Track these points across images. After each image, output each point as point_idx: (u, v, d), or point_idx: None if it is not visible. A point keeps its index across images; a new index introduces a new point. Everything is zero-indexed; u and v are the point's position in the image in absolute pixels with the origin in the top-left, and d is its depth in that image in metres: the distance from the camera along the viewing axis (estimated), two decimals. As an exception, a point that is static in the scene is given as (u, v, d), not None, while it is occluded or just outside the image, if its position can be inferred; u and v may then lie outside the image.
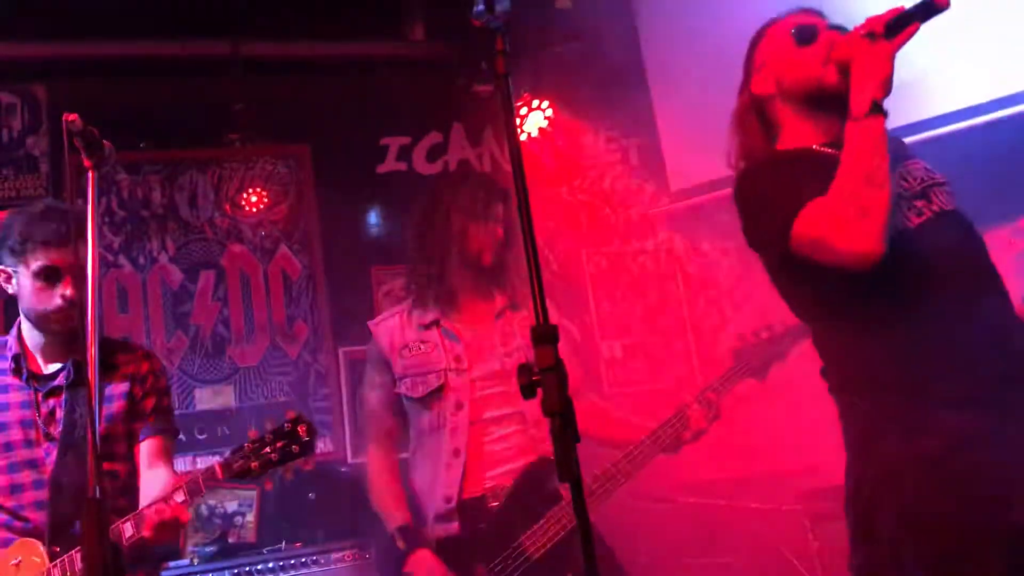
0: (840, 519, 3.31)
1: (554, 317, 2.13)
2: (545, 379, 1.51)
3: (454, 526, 2.77)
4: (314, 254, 4.76)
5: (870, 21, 1.95)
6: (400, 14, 4.94)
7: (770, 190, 2.05)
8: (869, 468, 1.97)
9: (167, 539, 2.34)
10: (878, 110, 1.92)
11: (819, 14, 2.19)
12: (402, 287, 4.45)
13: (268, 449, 2.30)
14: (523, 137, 4.91)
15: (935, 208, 2.02)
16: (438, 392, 2.87)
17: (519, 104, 4.83)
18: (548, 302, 1.60)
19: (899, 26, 1.91)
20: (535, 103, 4.88)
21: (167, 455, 2.57)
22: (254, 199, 4.72)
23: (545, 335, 1.54)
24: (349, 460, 4.51)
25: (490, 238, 2.91)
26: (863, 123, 1.92)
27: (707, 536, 3.88)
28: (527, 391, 1.53)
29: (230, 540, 4.15)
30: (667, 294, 5.15)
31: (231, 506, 4.25)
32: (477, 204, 2.94)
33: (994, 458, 1.83)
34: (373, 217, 4.95)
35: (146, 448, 2.56)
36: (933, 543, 1.84)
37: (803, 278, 2.05)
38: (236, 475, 2.30)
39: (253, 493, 4.27)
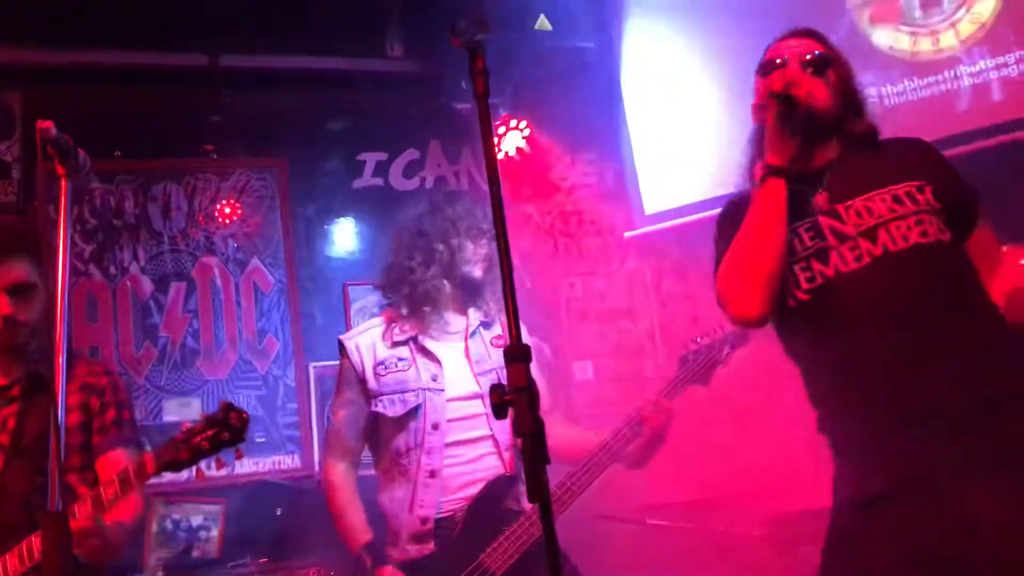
0: (805, 544, 3.33)
1: (527, 337, 2.13)
2: (517, 399, 1.51)
3: (429, 547, 2.76)
4: (287, 268, 4.74)
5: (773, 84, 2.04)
6: (380, 31, 4.95)
7: (715, 242, 2.18)
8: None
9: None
10: (771, 174, 1.97)
11: (812, 35, 2.19)
12: (376, 303, 4.43)
13: (199, 438, 2.28)
14: (500, 156, 4.92)
15: (876, 252, 1.94)
16: (415, 412, 2.84)
17: (497, 123, 4.85)
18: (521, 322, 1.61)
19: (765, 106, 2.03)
20: (513, 123, 4.89)
21: None
22: (228, 211, 4.69)
23: (518, 354, 1.54)
24: (317, 476, 4.46)
25: (482, 254, 2.94)
26: (758, 188, 2.01)
27: (673, 559, 3.88)
28: (498, 411, 1.53)
29: (194, 555, 4.10)
30: (639, 317, 5.16)
31: (196, 520, 4.20)
32: (474, 221, 2.95)
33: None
34: (348, 232, 4.93)
35: (110, 461, 2.53)
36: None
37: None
38: (167, 466, 2.28)
39: (218, 507, 4.23)
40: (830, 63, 2.11)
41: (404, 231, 3.05)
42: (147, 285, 4.53)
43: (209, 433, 2.28)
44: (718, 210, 4.71)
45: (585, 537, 2.99)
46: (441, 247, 2.93)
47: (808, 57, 2.09)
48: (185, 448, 2.27)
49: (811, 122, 2.00)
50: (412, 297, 2.93)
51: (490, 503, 2.76)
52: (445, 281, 2.92)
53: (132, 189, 4.61)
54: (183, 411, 4.43)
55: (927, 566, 1.81)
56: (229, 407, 2.31)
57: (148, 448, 2.47)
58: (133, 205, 4.59)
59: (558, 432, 2.94)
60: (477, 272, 2.93)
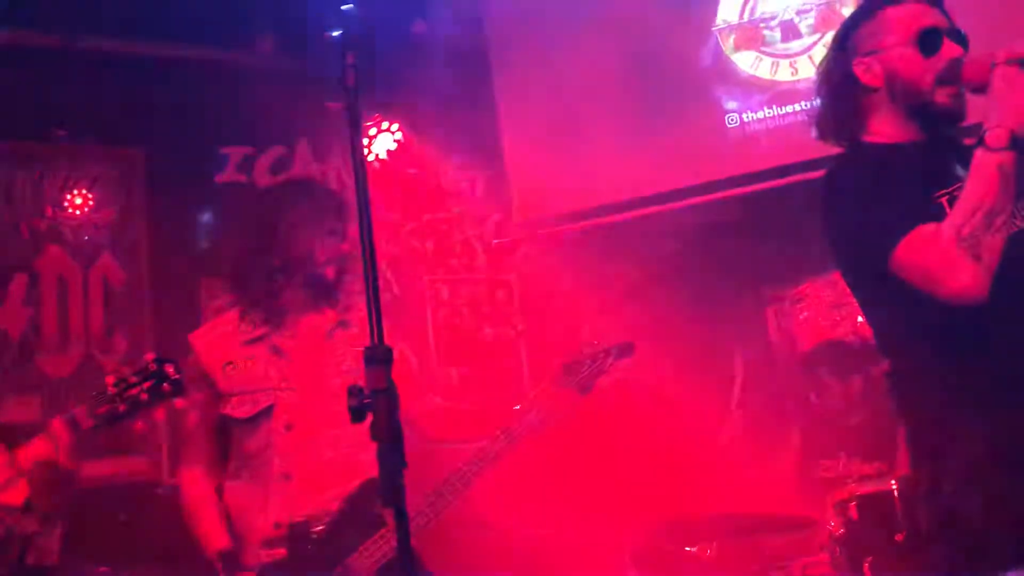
0: (658, 551, 3.41)
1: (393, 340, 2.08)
2: (376, 402, 1.49)
3: (281, 551, 2.67)
4: (140, 262, 4.54)
5: (1019, 46, 1.90)
6: (250, 23, 4.82)
7: (869, 202, 1.99)
8: (948, 467, 1.95)
9: None
10: (1015, 145, 1.86)
11: (939, 3, 2.14)
12: (231, 301, 4.30)
13: (136, 390, 2.15)
14: (371, 158, 4.87)
15: (1018, 222, 1.94)
16: (267, 412, 2.74)
17: (369, 124, 4.80)
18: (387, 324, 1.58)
19: None
20: (385, 125, 4.85)
21: None
22: (79, 201, 4.47)
23: (378, 356, 1.52)
24: (166, 481, 4.30)
25: (335, 253, 2.85)
26: (997, 155, 1.86)
27: (530, 565, 3.91)
28: (356, 414, 1.50)
29: (28, 561, 3.87)
30: (506, 325, 5.20)
31: (31, 525, 3.97)
32: (323, 218, 2.87)
33: None
34: (207, 228, 4.76)
35: None
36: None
37: (891, 298, 2.00)
38: (102, 420, 2.13)
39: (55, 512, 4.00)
40: None
41: (246, 233, 2.95)
42: (-15, 275, 4.27)
43: (147, 385, 2.15)
44: (590, 221, 4.76)
45: (442, 544, 2.98)
46: (285, 250, 2.85)
47: None
48: (121, 400, 2.13)
49: None
50: (262, 300, 2.85)
51: (358, 508, 2.71)
52: (294, 285, 2.85)
53: (-28, 172, 4.33)
54: (21, 410, 4.19)
55: None
56: (161, 359, 2.19)
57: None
58: (-28, 189, 4.32)
59: (437, 413, 2.90)
60: (330, 269, 2.86)
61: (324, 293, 2.88)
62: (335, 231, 2.85)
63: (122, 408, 2.15)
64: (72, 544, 3.99)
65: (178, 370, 2.20)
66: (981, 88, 1.97)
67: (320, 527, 2.69)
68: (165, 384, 2.18)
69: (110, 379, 2.18)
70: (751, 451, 4.02)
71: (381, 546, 2.64)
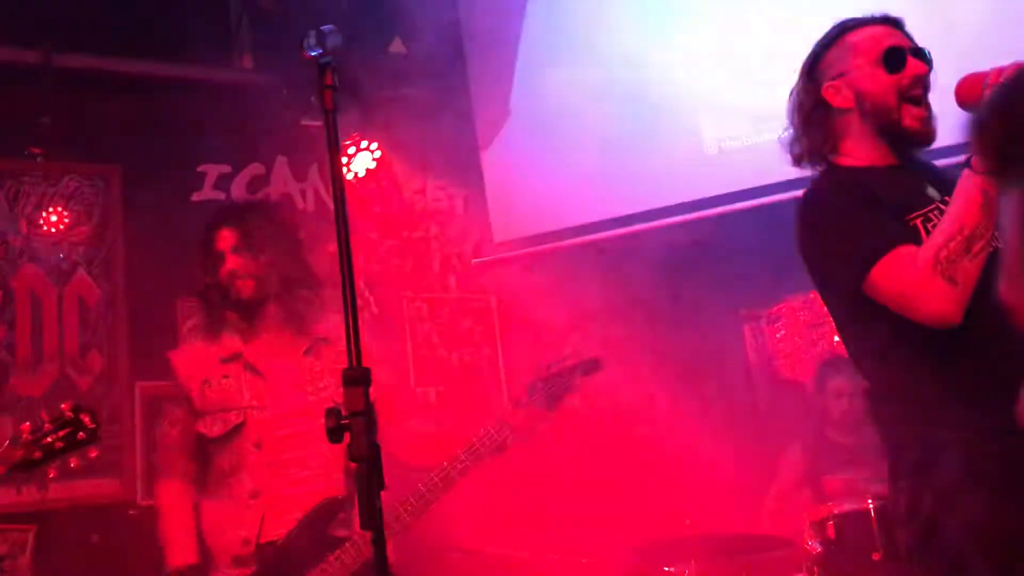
0: (637, 572, 3.40)
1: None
2: (353, 424, 1.48)
3: (249, 569, 2.68)
4: (116, 281, 4.49)
5: (1011, 69, 1.90)
6: (229, 40, 4.80)
7: (845, 223, 2.01)
8: (927, 488, 1.95)
9: None
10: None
11: (901, 26, 2.18)
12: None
13: (51, 438, 2.15)
14: (350, 176, 4.86)
15: (996, 244, 1.94)
16: (237, 430, 2.76)
17: (347, 143, 4.79)
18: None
19: None
20: (364, 144, 4.84)
21: None
22: (54, 218, 4.42)
23: (356, 378, 1.51)
24: (139, 503, 4.24)
25: (229, 273, 2.83)
26: (983, 180, 1.84)
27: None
28: (334, 435, 1.49)
29: (-4, 586, 3.80)
30: (484, 344, 5.18)
31: (0, 548, 3.90)
32: (208, 239, 2.88)
33: None
34: (183, 246, 4.71)
35: None
36: (1002, 553, 1.86)
37: (868, 318, 2.01)
38: (16, 466, 2.13)
39: (28, 535, 3.94)
40: None
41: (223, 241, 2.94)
42: (-42, 293, 4.20)
43: (62, 433, 2.15)
44: (569, 240, 4.77)
45: (423, 567, 2.96)
46: (258, 262, 2.84)
47: None
48: (37, 448, 2.12)
49: None
50: (224, 317, 2.85)
51: (314, 527, 2.69)
52: (267, 297, 2.84)
53: (-54, 189, 4.28)
54: (-7, 430, 4.12)
55: None
56: (78, 407, 2.19)
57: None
58: (-54, 207, 4.26)
59: (416, 438, 2.88)
60: (233, 291, 2.84)
61: (299, 311, 2.86)
62: (224, 251, 2.82)
63: (37, 455, 2.16)
64: (43, 566, 3.93)
65: (94, 420, 2.20)
66: (973, 108, 2.00)
67: (280, 547, 2.69)
68: (80, 433, 2.19)
69: (26, 426, 2.19)
70: (733, 471, 4.02)
71: (339, 565, 2.63)
